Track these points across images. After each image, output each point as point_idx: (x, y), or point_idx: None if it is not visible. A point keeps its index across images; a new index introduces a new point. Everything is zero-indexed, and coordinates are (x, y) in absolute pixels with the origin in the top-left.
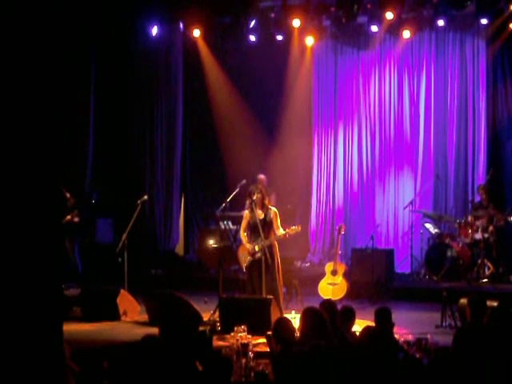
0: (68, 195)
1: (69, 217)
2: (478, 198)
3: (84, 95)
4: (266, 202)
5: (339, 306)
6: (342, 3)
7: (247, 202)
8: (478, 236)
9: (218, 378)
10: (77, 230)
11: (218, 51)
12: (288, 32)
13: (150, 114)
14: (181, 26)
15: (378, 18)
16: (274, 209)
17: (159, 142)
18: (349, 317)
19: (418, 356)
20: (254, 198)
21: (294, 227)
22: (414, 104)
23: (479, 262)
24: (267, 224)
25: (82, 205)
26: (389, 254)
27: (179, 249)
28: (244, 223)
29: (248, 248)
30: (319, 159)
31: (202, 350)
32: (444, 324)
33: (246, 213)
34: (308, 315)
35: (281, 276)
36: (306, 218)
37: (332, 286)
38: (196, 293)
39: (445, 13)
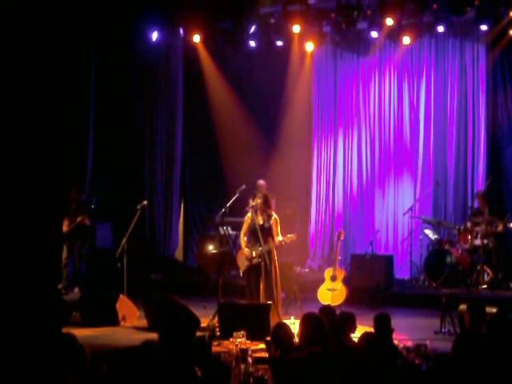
0: (80, 197)
1: (79, 218)
2: (477, 204)
3: (84, 100)
4: (268, 208)
5: (338, 312)
6: (342, 9)
7: (248, 206)
8: (478, 242)
9: (217, 383)
10: (87, 232)
11: (218, 57)
12: (288, 38)
13: (150, 119)
14: (181, 31)
15: (378, 24)
16: (274, 215)
17: (159, 147)
18: (348, 323)
19: (416, 362)
20: (254, 203)
21: (289, 235)
22: (414, 110)
23: (478, 268)
24: (266, 230)
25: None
26: (388, 260)
27: (178, 254)
28: (244, 227)
29: (246, 253)
30: (319, 165)
31: (201, 356)
32: (443, 330)
33: (248, 216)
34: (307, 321)
35: (279, 281)
36: (306, 223)
37: (331, 292)
38: (195, 298)
39: (445, 19)
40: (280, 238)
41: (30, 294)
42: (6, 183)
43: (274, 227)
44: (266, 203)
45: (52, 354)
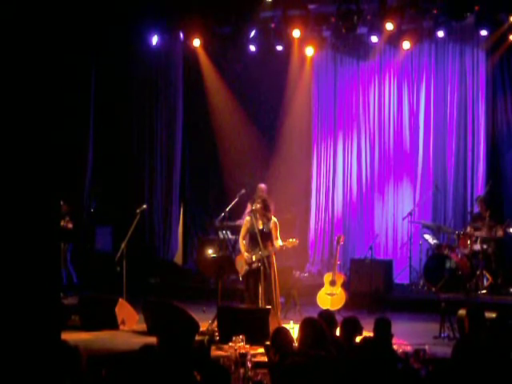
0: (61, 202)
1: (62, 223)
2: (476, 209)
3: (84, 104)
4: (268, 213)
5: (338, 317)
6: (342, 14)
7: (247, 210)
8: (477, 247)
9: None
10: (70, 237)
11: (217, 61)
12: (288, 42)
13: (150, 122)
14: (181, 35)
15: (378, 29)
16: (274, 219)
17: (159, 151)
18: (353, 327)
19: (416, 367)
20: (254, 207)
21: (291, 240)
22: (414, 115)
23: (478, 273)
24: (266, 234)
25: (81, 213)
26: (387, 265)
27: (178, 258)
28: (244, 230)
29: (245, 257)
30: (318, 169)
31: (200, 360)
32: (442, 335)
33: (247, 219)
34: (307, 325)
35: (278, 286)
36: (305, 228)
37: (330, 297)
38: (194, 302)
39: (445, 24)
40: (280, 242)
41: (27, 297)
42: (4, 188)
43: (273, 231)
44: (266, 207)
45: (50, 359)
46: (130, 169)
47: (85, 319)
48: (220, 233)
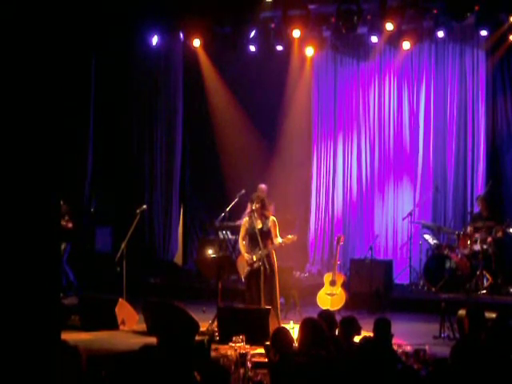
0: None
1: (62, 223)
2: (476, 209)
3: (84, 104)
4: (266, 212)
5: (338, 317)
6: (342, 14)
7: (247, 210)
8: (477, 247)
9: None
10: (69, 236)
11: (217, 61)
12: (288, 42)
13: (150, 122)
14: (181, 35)
15: (378, 29)
16: (272, 217)
17: (159, 151)
18: (351, 327)
19: (416, 367)
20: (253, 207)
21: (290, 236)
22: (414, 115)
23: (478, 273)
24: (265, 234)
25: (81, 213)
26: (387, 265)
27: (178, 258)
28: (243, 231)
29: (246, 258)
30: (318, 169)
31: (200, 360)
32: (442, 335)
33: (246, 220)
34: (307, 326)
35: (278, 286)
36: (305, 228)
37: (330, 297)
38: (194, 302)
39: (445, 24)
40: (279, 239)
41: (27, 297)
42: (4, 188)
43: (272, 229)
44: (263, 206)
45: (50, 359)
46: (129, 169)
47: (85, 319)
48: (220, 233)
